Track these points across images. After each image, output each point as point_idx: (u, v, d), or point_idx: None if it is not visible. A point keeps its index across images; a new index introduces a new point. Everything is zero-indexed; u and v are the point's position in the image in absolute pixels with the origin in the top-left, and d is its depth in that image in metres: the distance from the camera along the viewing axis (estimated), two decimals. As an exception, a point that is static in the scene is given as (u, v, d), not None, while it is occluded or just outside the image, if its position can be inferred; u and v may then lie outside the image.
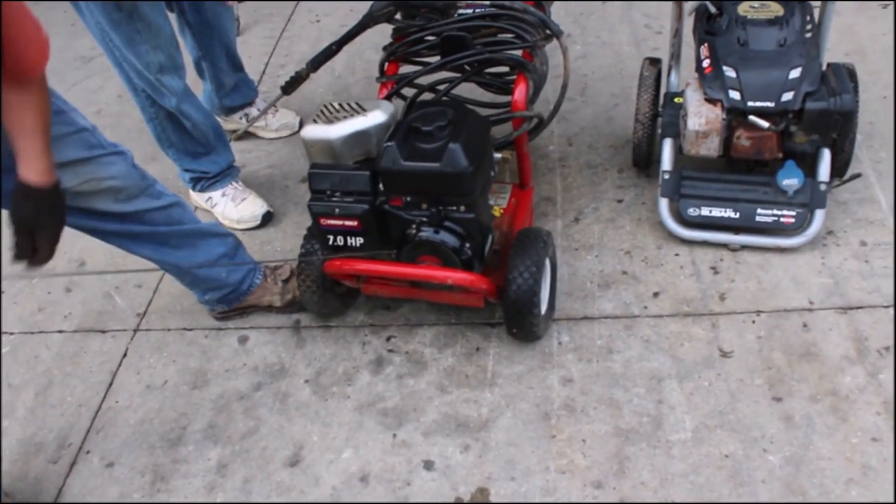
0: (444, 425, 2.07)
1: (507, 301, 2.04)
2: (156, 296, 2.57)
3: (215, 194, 2.80)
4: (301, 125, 3.19)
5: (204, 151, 2.70)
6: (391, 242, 2.08)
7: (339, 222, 2.04)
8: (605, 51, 3.37)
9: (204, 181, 2.78)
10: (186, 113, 2.53)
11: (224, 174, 2.80)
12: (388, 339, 2.30)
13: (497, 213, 2.23)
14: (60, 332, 2.50)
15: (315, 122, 2.13)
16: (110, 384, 2.32)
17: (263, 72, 3.63)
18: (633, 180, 2.71)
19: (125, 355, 2.39)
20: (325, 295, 2.25)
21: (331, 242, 2.09)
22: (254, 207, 2.77)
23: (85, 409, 2.26)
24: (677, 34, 2.53)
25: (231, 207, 2.78)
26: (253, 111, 3.16)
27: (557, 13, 3.55)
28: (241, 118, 3.15)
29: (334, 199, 2.03)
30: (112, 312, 2.55)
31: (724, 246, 2.42)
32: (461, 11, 2.27)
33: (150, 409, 2.23)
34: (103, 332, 2.48)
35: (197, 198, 2.84)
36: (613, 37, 3.45)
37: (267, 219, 2.77)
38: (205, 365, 2.32)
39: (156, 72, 2.40)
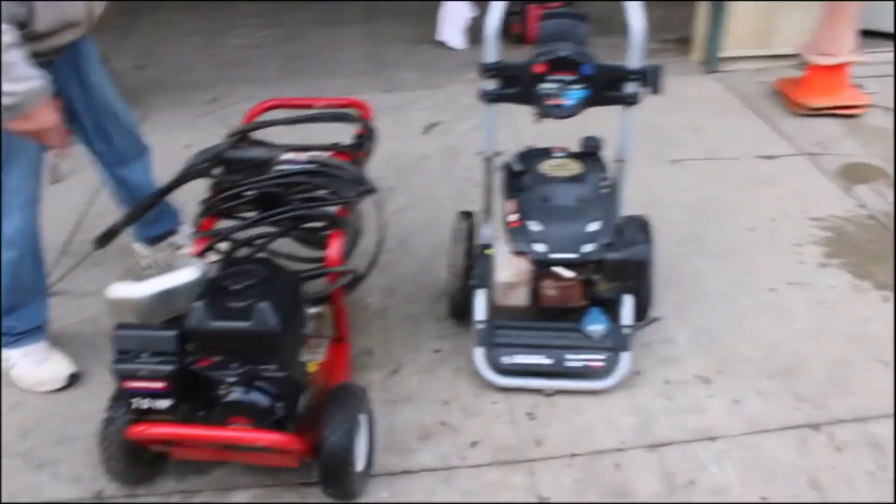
0: None
1: (322, 460, 2.00)
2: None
3: (14, 353, 2.59)
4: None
5: (16, 304, 2.52)
6: (201, 403, 2.01)
7: (145, 384, 1.95)
8: (425, 203, 3.50)
9: (7, 336, 2.57)
10: None
11: (32, 332, 2.61)
12: (201, 505, 2.19)
13: (312, 369, 2.20)
14: None
15: (122, 279, 2.08)
16: None
17: (80, 221, 3.51)
18: (451, 330, 2.77)
19: None
20: (130, 462, 2.12)
21: (136, 405, 1.98)
22: (58, 368, 2.59)
23: None
24: (488, 189, 2.68)
25: (31, 369, 2.58)
26: (178, 239, 3.02)
27: (380, 167, 3.67)
28: (168, 246, 3.01)
29: (140, 359, 1.96)
30: None
31: (539, 391, 2.49)
32: (281, 167, 2.31)
33: None
34: None
35: None
36: (433, 189, 3.61)
37: (73, 380, 2.60)
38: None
39: None
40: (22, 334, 2.59)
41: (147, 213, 2.47)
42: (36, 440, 2.41)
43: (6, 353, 2.60)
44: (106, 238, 2.50)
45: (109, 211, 3.50)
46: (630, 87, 2.42)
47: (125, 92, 2.87)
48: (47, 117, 2.16)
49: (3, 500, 2.11)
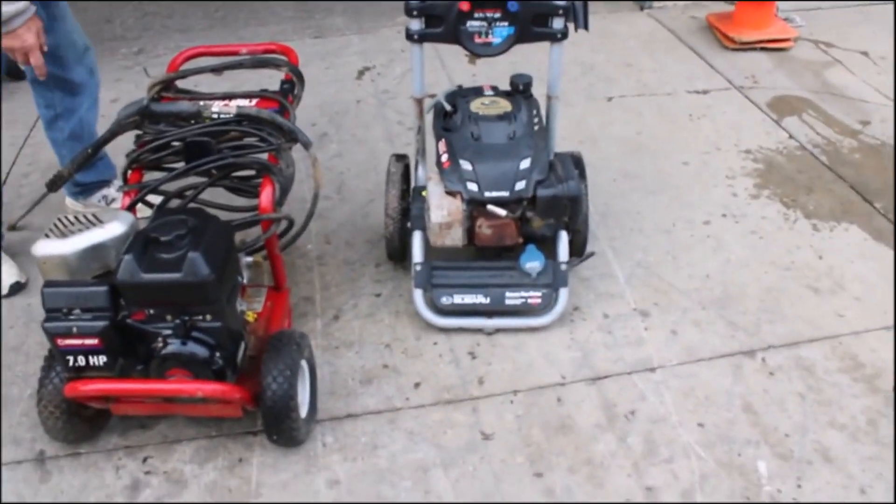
0: (207, 546, 1.96)
1: (264, 408, 2.00)
2: None
3: None
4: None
5: None
6: (138, 357, 1.98)
7: (79, 341, 1.91)
8: (360, 148, 3.46)
9: None
10: None
11: None
12: (145, 459, 2.16)
13: (251, 318, 2.18)
14: None
15: (48, 236, 2.02)
16: None
17: (3, 182, 3.40)
18: (391, 274, 2.77)
19: None
20: (70, 420, 2.09)
21: (71, 363, 1.95)
22: (6, 275, 2.70)
23: None
24: (420, 130, 2.66)
25: None
26: (111, 192, 3.01)
27: (313, 113, 3.63)
28: (99, 201, 3.01)
29: (71, 317, 1.92)
30: None
31: (480, 331, 2.51)
32: (212, 117, 2.26)
33: None
34: None
35: None
36: (368, 134, 3.57)
37: (15, 289, 2.66)
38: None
39: None
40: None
41: (89, 161, 2.41)
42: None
43: None
44: (55, 183, 2.49)
45: (36, 168, 3.43)
46: (557, 23, 2.41)
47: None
48: (32, 37, 2.32)
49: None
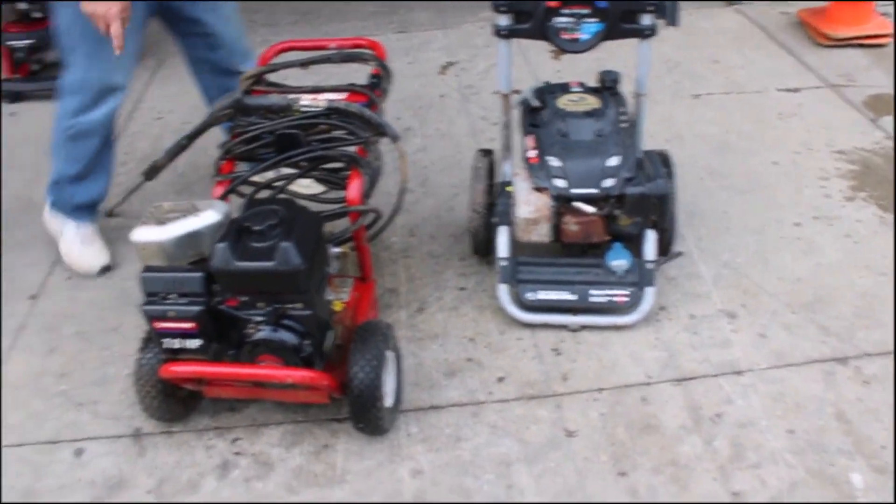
0: (292, 529, 2.00)
1: (351, 396, 2.03)
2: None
3: (70, 226, 2.90)
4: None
5: (84, 174, 2.83)
6: (230, 343, 2.04)
7: (175, 325, 1.98)
8: (444, 142, 3.48)
9: (64, 203, 2.88)
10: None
11: (88, 208, 2.91)
12: (234, 441, 2.22)
13: (338, 308, 2.22)
14: None
15: (146, 223, 2.09)
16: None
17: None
18: (475, 268, 2.77)
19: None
20: (165, 400, 2.16)
21: (167, 346, 2.02)
22: (97, 256, 2.87)
23: None
24: (506, 126, 2.65)
25: (77, 246, 2.88)
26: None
27: (397, 107, 3.66)
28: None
29: (168, 301, 1.98)
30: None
31: (565, 327, 2.50)
32: (303, 110, 2.30)
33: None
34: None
35: (49, 217, 2.94)
36: (452, 129, 3.58)
37: (105, 271, 2.84)
38: (36, 483, 2.15)
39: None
40: (79, 207, 2.89)
41: (183, 151, 2.49)
42: (74, 382, 2.45)
43: (64, 221, 2.91)
44: (152, 172, 2.61)
45: (132, 158, 3.54)
46: (646, 19, 2.38)
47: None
48: (116, 6, 2.36)
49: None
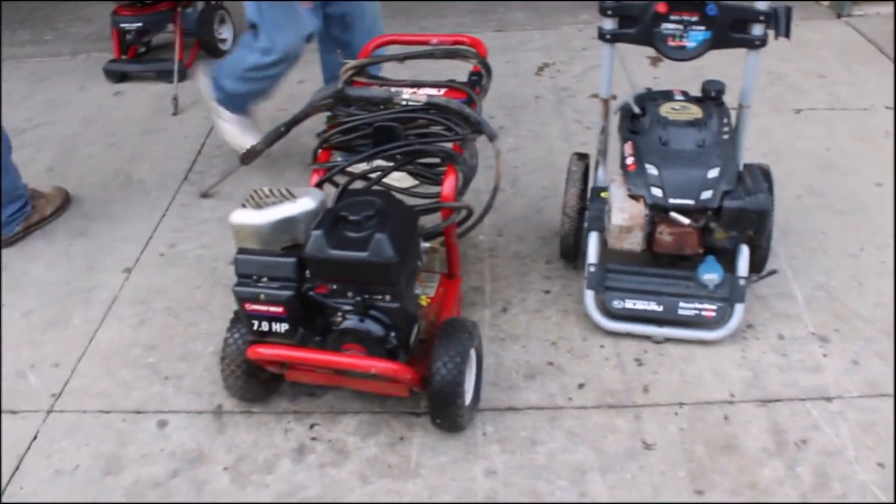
0: (365, 518, 2.03)
1: (432, 391, 2.04)
2: (73, 376, 2.49)
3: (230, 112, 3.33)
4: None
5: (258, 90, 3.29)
6: (316, 329, 2.07)
7: (264, 308, 2.02)
8: (536, 144, 3.47)
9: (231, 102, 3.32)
10: None
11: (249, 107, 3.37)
12: (312, 426, 2.26)
13: (424, 303, 2.23)
14: (-34, 413, 2.40)
15: (244, 206, 2.14)
16: (16, 468, 2.21)
17: (199, 151, 3.63)
18: (561, 272, 2.76)
19: (35, 438, 2.29)
20: (248, 380, 2.22)
21: (255, 328, 2.07)
22: (247, 140, 3.13)
23: (-14, 496, 2.16)
24: (604, 131, 2.63)
25: (234, 128, 3.34)
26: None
27: (491, 106, 3.65)
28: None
29: (260, 284, 2.02)
30: (25, 392, 2.45)
31: (648, 338, 2.46)
32: (402, 104, 2.32)
33: (58, 497, 2.12)
34: (14, 412, 2.38)
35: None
36: (545, 130, 3.56)
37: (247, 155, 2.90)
38: (120, 450, 2.24)
39: None
40: (245, 109, 3.34)
41: (281, 138, 2.54)
42: (161, 355, 2.54)
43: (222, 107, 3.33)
44: (248, 156, 2.68)
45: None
46: (756, 30, 2.32)
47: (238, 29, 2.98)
48: None
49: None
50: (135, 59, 4.54)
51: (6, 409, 2.39)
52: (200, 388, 2.40)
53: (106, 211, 3.28)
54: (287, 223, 2.10)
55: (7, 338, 2.64)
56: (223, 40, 4.62)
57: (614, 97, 2.61)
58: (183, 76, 4.16)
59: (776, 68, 3.98)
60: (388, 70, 2.85)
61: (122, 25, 4.37)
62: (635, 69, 3.98)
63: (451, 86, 2.48)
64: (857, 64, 4.08)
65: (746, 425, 2.20)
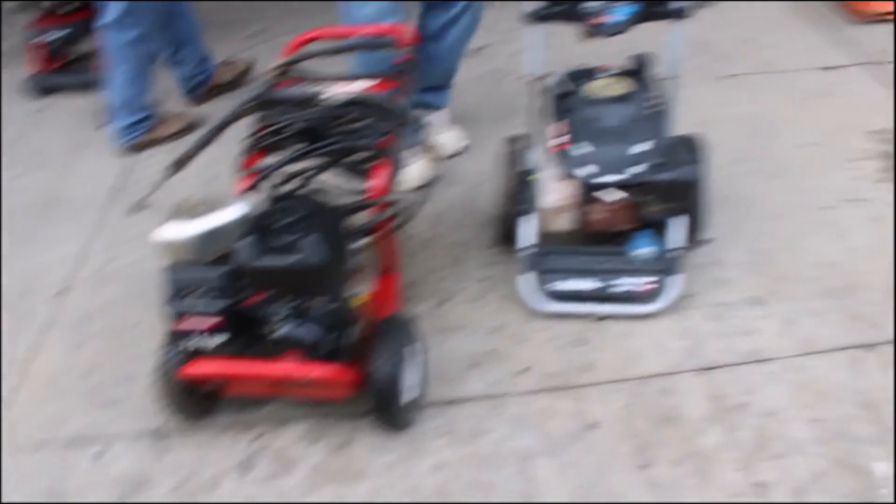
0: (315, 524, 2.02)
1: (372, 391, 2.04)
2: (9, 408, 2.41)
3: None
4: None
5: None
6: (254, 339, 2.05)
7: (198, 322, 1.99)
8: (471, 128, 3.40)
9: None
10: None
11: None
12: (257, 437, 2.23)
13: (362, 301, 2.22)
14: None
15: (170, 220, 2.10)
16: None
17: (129, 164, 3.57)
18: (499, 257, 2.75)
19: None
20: (187, 398, 2.18)
21: (189, 343, 2.03)
22: (452, 139, 3.24)
23: None
24: (533, 112, 2.63)
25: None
26: None
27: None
28: None
29: (191, 298, 1.99)
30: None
31: (588, 317, 2.48)
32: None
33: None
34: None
35: None
36: (480, 114, 3.54)
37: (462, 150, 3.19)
38: (60, 484, 2.17)
39: None
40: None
41: (211, 143, 2.49)
42: (100, 379, 2.48)
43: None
44: (178, 164, 2.52)
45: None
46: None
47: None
48: None
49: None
50: (63, 70, 4.32)
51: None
52: (142, 410, 2.33)
53: (34, 235, 3.19)
54: (215, 234, 2.06)
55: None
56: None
57: (545, 77, 2.60)
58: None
59: (703, 36, 3.95)
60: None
61: (44, 37, 4.22)
62: (564, 46, 3.97)
63: (382, 77, 2.45)
64: (781, 27, 4.12)
65: (687, 395, 2.23)
